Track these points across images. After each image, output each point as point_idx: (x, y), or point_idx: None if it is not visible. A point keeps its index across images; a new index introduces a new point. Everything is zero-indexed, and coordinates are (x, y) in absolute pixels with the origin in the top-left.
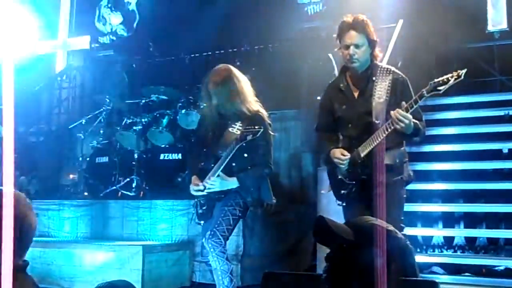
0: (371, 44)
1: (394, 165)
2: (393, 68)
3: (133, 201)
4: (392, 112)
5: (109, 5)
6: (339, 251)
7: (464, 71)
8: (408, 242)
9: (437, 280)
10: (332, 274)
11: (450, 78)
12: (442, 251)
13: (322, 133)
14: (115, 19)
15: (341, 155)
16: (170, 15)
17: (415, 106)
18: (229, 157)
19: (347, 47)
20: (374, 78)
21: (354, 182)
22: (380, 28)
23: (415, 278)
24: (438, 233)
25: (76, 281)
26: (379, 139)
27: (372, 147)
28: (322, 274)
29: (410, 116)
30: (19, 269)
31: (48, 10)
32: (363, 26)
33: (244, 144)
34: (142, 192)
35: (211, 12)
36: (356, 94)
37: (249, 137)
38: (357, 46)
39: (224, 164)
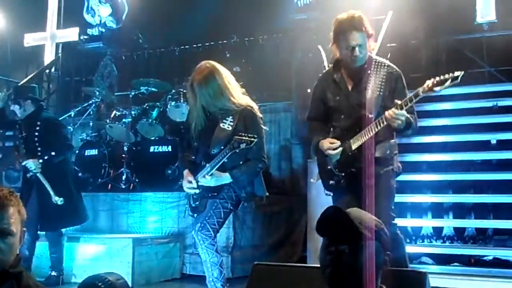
0: (369, 38)
1: (384, 157)
2: (387, 62)
3: (123, 194)
4: (387, 112)
5: None
6: (349, 244)
7: (461, 73)
8: (399, 233)
9: (426, 270)
10: (338, 266)
11: (447, 79)
12: (431, 242)
13: (313, 122)
14: (104, 11)
15: (330, 144)
16: (160, 7)
17: (409, 104)
18: (222, 161)
19: (353, 48)
20: (369, 72)
21: (343, 174)
22: (370, 20)
23: (404, 269)
24: (427, 223)
25: (66, 274)
26: (371, 134)
27: (363, 140)
28: (322, 267)
29: (405, 114)
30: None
31: (36, 1)
32: (363, 24)
33: (237, 151)
34: (132, 185)
35: (201, 4)
36: (350, 86)
37: (243, 146)
38: (360, 46)
39: (217, 166)
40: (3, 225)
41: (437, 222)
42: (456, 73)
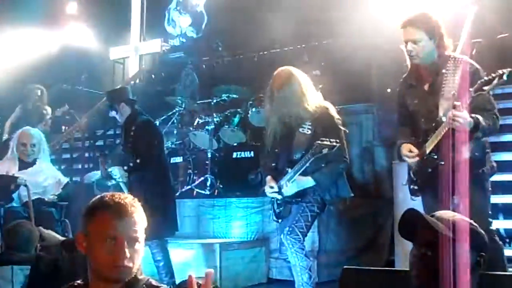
0: (434, 37)
1: (472, 158)
2: (464, 58)
3: (208, 200)
4: (448, 114)
5: (178, 8)
6: (431, 246)
7: (507, 70)
8: (497, 239)
9: None
10: (423, 270)
11: (493, 78)
12: None
13: (400, 128)
14: (184, 21)
15: (407, 152)
16: (237, 14)
17: (465, 106)
18: (305, 166)
19: (406, 43)
20: (444, 71)
21: (421, 179)
22: (453, 14)
23: (503, 273)
24: None
25: (155, 279)
26: (441, 135)
27: (435, 143)
28: (408, 270)
29: (466, 115)
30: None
31: (119, 16)
32: (422, 21)
33: (319, 156)
34: (216, 191)
35: (278, 9)
36: (426, 88)
37: (325, 151)
38: (414, 42)
39: (300, 171)
40: (132, 232)
41: None
42: (502, 71)
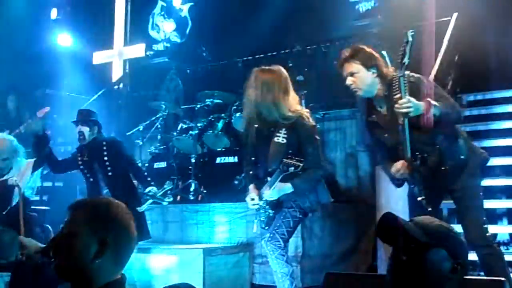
0: (371, 67)
1: (458, 163)
2: (406, 74)
3: (191, 205)
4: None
5: (162, 13)
6: (406, 251)
7: (410, 32)
8: (496, 246)
9: (503, 279)
10: (398, 274)
11: (405, 49)
12: (508, 249)
13: (378, 154)
14: (168, 26)
15: (396, 170)
16: (222, 20)
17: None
18: (277, 181)
19: (345, 79)
20: (394, 93)
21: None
22: (434, 22)
23: (481, 277)
24: (503, 230)
25: (139, 285)
26: (406, 137)
27: (408, 146)
28: (386, 274)
29: (411, 99)
30: (119, 285)
31: (103, 21)
32: (356, 54)
33: (288, 172)
34: (200, 196)
35: (262, 15)
36: (388, 118)
37: (291, 169)
38: (351, 75)
39: (276, 183)
40: None
41: None
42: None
